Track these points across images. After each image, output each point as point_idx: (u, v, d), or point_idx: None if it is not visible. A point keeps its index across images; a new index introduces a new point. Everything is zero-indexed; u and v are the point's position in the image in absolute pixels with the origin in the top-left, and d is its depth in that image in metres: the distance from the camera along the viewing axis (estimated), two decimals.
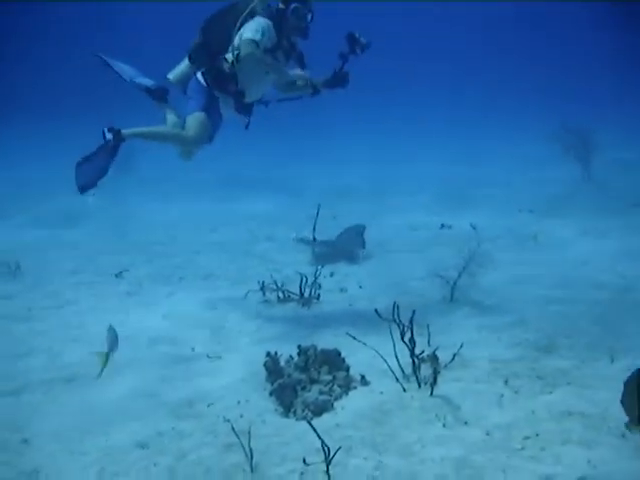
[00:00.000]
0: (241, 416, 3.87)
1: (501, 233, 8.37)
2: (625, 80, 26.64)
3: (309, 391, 4.08)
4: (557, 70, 35.36)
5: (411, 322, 4.16)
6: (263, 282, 6.16)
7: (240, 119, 5.74)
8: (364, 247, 7.69)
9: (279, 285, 6.12)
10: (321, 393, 4.03)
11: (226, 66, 5.44)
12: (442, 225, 9.05)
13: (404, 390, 4.04)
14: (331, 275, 6.82)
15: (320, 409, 3.92)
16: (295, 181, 13.40)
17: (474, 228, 8.37)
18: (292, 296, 6.03)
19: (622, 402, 3.29)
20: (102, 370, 3.88)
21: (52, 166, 15.64)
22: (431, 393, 3.95)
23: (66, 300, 6.29)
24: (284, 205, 10.84)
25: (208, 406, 4.05)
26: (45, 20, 38.38)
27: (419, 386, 4.07)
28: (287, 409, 3.98)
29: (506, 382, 4.13)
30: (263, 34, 5.26)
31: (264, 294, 6.13)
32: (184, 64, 5.72)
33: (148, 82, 5.84)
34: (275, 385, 4.14)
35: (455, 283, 5.86)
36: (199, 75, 5.59)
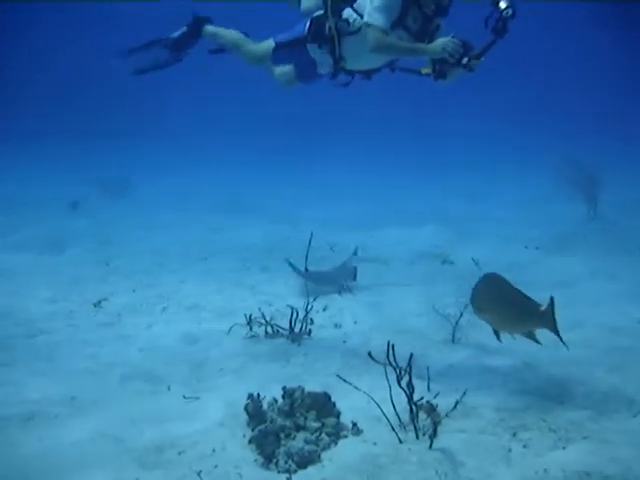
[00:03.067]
0: (215, 467, 3.43)
1: (505, 269, 7.92)
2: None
3: (294, 439, 3.65)
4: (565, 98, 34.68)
5: (409, 365, 3.73)
6: (250, 315, 5.70)
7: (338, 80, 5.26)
8: (355, 279, 7.34)
9: (268, 319, 5.68)
10: (307, 442, 3.59)
11: (327, 26, 4.91)
12: (443, 260, 8.65)
13: (400, 441, 3.61)
14: (324, 309, 6.40)
15: (305, 461, 3.48)
16: (292, 210, 13.03)
17: (476, 263, 7.99)
18: (281, 331, 5.59)
19: (471, 300, 4.08)
20: None
21: (46, 186, 15.39)
22: (430, 445, 3.52)
23: (38, 329, 5.82)
24: (280, 234, 10.41)
25: (179, 454, 3.60)
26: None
27: (417, 437, 3.64)
28: (268, 459, 3.54)
29: (514, 434, 3.70)
30: (389, 12, 4.55)
31: (251, 328, 5.67)
32: None
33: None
34: (256, 432, 3.70)
35: (457, 322, 5.44)
36: (308, 20, 5.11)
